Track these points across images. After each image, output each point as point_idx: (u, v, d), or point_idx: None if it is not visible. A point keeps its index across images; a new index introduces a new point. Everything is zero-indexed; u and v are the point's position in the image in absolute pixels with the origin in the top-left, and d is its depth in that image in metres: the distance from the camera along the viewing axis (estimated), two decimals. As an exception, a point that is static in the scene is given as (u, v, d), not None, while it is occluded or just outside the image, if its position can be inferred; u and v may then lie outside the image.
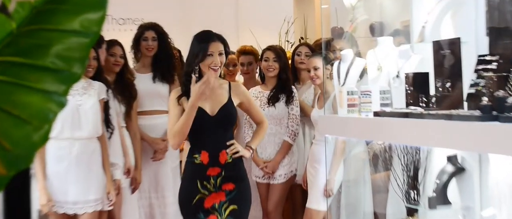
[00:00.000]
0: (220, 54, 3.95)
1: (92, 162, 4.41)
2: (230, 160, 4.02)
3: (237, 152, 4.03)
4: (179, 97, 3.99)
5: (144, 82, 5.20)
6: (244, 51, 5.73)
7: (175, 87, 5.26)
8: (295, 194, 5.45)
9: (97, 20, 1.17)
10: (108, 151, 4.50)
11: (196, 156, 3.99)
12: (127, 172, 4.84)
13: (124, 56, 5.03)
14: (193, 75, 3.88)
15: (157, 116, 5.28)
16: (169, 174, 5.27)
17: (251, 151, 4.16)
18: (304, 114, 5.33)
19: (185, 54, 5.85)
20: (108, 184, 4.44)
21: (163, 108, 5.25)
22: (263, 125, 4.31)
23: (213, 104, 4.01)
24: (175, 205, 5.23)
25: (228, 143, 4.02)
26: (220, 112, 4.00)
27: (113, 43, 5.00)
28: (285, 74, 5.22)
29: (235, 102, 4.10)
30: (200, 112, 3.90)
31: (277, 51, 5.31)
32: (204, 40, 3.95)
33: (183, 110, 3.92)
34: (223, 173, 4.00)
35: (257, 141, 4.31)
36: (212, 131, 3.98)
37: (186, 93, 3.96)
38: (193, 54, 3.96)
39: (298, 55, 5.46)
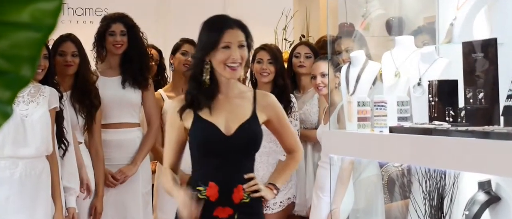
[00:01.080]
0: (241, 46, 3.45)
1: (39, 187, 4.30)
2: (247, 200, 3.48)
3: (257, 191, 3.50)
4: (182, 110, 3.50)
5: (110, 87, 5.13)
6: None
7: (150, 94, 5.24)
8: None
9: (52, 11, 1.14)
10: (59, 173, 4.43)
11: (201, 188, 3.48)
12: (86, 191, 4.75)
13: (79, 54, 4.93)
14: (205, 78, 3.45)
15: (126, 130, 5.20)
16: (139, 200, 5.22)
17: (276, 191, 3.62)
18: (305, 133, 5.33)
19: (165, 53, 5.91)
20: (57, 214, 4.38)
21: (135, 121, 5.22)
22: (295, 156, 3.78)
23: (230, 120, 3.51)
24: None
25: (246, 176, 3.49)
26: (239, 131, 3.49)
27: (63, 38, 4.90)
28: (282, 80, 5.21)
29: (261, 118, 3.59)
30: (211, 129, 3.47)
31: (273, 52, 5.31)
32: (217, 27, 3.47)
33: (185, 131, 3.53)
34: (236, 217, 3.50)
35: (285, 178, 3.82)
36: (226, 157, 3.49)
37: (192, 104, 3.49)
38: (202, 47, 3.50)
39: (297, 57, 5.46)
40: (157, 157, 5.43)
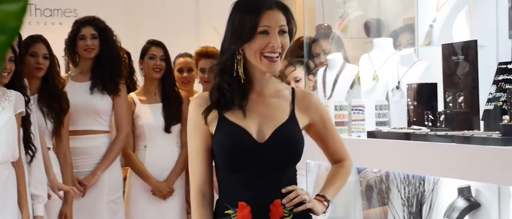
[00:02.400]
0: (282, 32, 2.81)
1: (5, 194, 4.20)
2: (290, 216, 2.81)
3: (301, 203, 2.82)
4: (207, 111, 2.85)
5: (78, 93, 5.06)
6: (206, 54, 5.70)
7: (121, 100, 5.20)
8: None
9: (17, 13, 1.14)
10: (26, 179, 4.37)
11: (230, 212, 2.84)
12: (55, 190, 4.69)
13: (49, 57, 4.89)
14: (238, 71, 2.82)
15: (92, 137, 5.15)
16: (104, 209, 5.16)
17: (326, 203, 2.95)
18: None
19: (134, 57, 5.88)
20: (23, 219, 4.32)
21: (102, 128, 5.17)
22: (345, 164, 3.10)
23: (263, 124, 2.87)
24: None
25: (284, 190, 2.81)
26: (274, 138, 2.84)
27: (35, 39, 4.86)
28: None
29: (302, 122, 2.94)
30: (240, 135, 2.84)
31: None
32: (253, 7, 2.82)
33: (210, 137, 2.88)
34: None
35: (336, 190, 3.08)
36: (258, 170, 2.84)
37: (218, 104, 2.85)
38: (233, 33, 2.83)
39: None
40: (128, 162, 5.42)
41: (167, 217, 5.42)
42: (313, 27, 5.71)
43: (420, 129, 3.81)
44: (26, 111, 4.35)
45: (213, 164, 2.92)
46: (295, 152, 2.88)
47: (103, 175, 5.15)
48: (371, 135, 4.12)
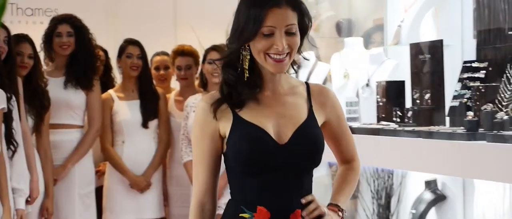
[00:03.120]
0: (288, 33, 2.41)
1: None
2: None
3: (321, 216, 2.50)
4: (216, 105, 2.46)
5: (53, 88, 4.96)
6: (182, 52, 5.69)
7: (94, 95, 5.19)
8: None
9: None
10: (6, 174, 4.34)
11: (246, 216, 2.52)
12: (31, 200, 4.68)
13: (34, 56, 4.87)
14: (243, 66, 2.46)
15: (65, 131, 5.12)
16: (76, 202, 5.14)
17: (341, 213, 2.62)
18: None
19: (113, 55, 5.88)
20: (4, 215, 4.29)
21: (75, 123, 5.14)
22: (354, 165, 2.76)
23: (282, 124, 2.51)
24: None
25: (303, 201, 2.49)
26: (296, 138, 2.49)
27: (21, 39, 4.84)
28: (233, 81, 5.22)
29: (320, 119, 2.59)
30: (259, 135, 2.47)
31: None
32: (259, 3, 2.44)
33: (220, 139, 2.50)
34: None
35: (347, 195, 2.72)
36: (279, 173, 2.49)
37: (229, 99, 2.47)
38: (236, 29, 2.47)
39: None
40: (107, 157, 5.43)
41: (145, 210, 5.41)
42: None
43: (389, 125, 3.85)
44: (8, 107, 4.32)
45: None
46: (317, 153, 2.51)
47: (74, 169, 5.13)
48: (342, 130, 4.15)
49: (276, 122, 2.48)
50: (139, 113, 5.37)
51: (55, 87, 5.02)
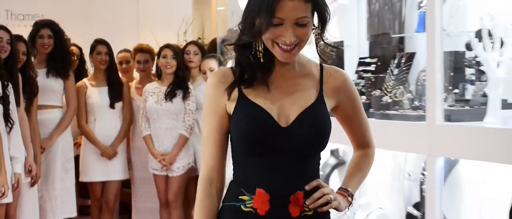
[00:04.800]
0: (300, 24, 1.86)
1: None
2: (310, 212, 1.96)
3: (327, 203, 1.95)
4: (230, 88, 1.95)
5: (38, 77, 5.02)
6: (141, 49, 5.67)
7: (70, 83, 5.15)
8: (191, 186, 5.40)
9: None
10: (2, 145, 4.24)
11: (245, 198, 1.96)
12: (29, 171, 4.60)
13: (27, 53, 4.80)
14: (257, 49, 1.91)
15: (49, 111, 5.06)
16: (58, 166, 5.11)
17: (350, 198, 2.07)
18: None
19: (86, 51, 5.78)
20: (1, 177, 4.19)
21: (56, 103, 5.10)
22: (368, 151, 2.18)
23: (287, 105, 1.96)
24: (63, 198, 5.11)
25: (307, 187, 1.95)
26: (299, 121, 1.94)
27: (17, 39, 4.73)
28: (182, 72, 5.17)
29: (330, 103, 2.03)
30: (261, 115, 1.93)
31: (175, 50, 5.26)
32: None
33: (226, 117, 1.97)
34: None
35: (358, 181, 2.15)
36: (280, 156, 1.94)
37: (240, 79, 1.95)
38: (248, 18, 1.91)
39: (187, 54, 5.38)
40: (82, 132, 5.41)
41: (112, 173, 5.38)
42: (225, 31, 5.69)
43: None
44: (6, 92, 4.22)
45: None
46: (322, 138, 1.94)
47: (57, 141, 5.09)
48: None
49: (281, 104, 1.93)
50: (107, 97, 5.33)
51: (40, 76, 4.97)
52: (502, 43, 2.82)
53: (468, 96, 3.24)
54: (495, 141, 2.66)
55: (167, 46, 5.26)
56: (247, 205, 1.94)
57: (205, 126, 2.02)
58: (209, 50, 5.73)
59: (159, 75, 5.28)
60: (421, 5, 3.64)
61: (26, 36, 5.03)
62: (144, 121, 5.20)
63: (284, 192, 1.92)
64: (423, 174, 3.50)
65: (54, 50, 5.09)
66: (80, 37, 6.23)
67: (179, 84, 5.12)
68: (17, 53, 4.60)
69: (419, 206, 3.61)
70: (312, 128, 1.91)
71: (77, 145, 5.60)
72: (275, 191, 1.92)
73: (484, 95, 3.03)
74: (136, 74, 5.94)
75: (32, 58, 4.96)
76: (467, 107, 3.11)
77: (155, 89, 5.17)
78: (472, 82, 3.28)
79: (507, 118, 2.87)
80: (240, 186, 1.96)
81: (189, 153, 5.22)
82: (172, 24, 7.25)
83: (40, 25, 5.13)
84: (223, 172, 2.03)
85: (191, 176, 5.31)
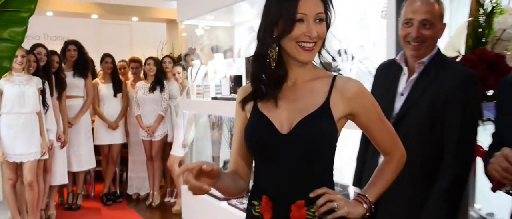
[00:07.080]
0: (319, 20, 1.30)
1: (33, 127, 4.01)
2: None
3: (331, 211, 1.32)
4: (244, 101, 1.43)
5: (67, 78, 4.88)
6: (134, 60, 5.68)
7: (88, 81, 5.02)
8: (166, 147, 5.35)
9: (21, 32, 1.09)
10: (43, 121, 4.13)
11: (255, 203, 1.40)
12: (58, 138, 4.46)
13: (59, 62, 4.67)
14: (271, 59, 1.34)
15: (74, 100, 4.95)
16: (82, 135, 5.00)
17: (366, 205, 1.38)
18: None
19: (96, 61, 5.61)
20: (43, 142, 4.08)
21: (79, 94, 4.96)
22: (394, 159, 1.44)
23: (292, 113, 1.35)
24: (86, 155, 4.98)
25: (311, 195, 1.31)
26: (298, 128, 1.32)
27: (52, 53, 4.64)
28: (160, 74, 5.15)
29: (340, 112, 1.35)
30: (263, 124, 1.37)
31: (156, 60, 5.24)
32: None
33: (245, 119, 1.44)
34: None
35: (380, 189, 1.42)
36: (282, 162, 1.33)
37: (255, 94, 1.40)
38: (269, 23, 1.31)
39: (164, 63, 5.35)
40: (96, 112, 5.25)
41: (115, 138, 5.28)
42: (187, 48, 5.64)
43: (235, 96, 3.85)
44: (44, 87, 4.14)
45: None
46: (321, 144, 1.32)
47: (81, 119, 4.97)
48: (213, 98, 4.16)
49: (286, 112, 1.35)
50: (112, 90, 5.26)
51: (68, 77, 4.83)
52: (352, 57, 2.89)
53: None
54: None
55: (151, 58, 5.23)
56: (256, 210, 1.38)
57: (235, 130, 1.49)
58: (177, 60, 5.68)
59: (145, 76, 5.23)
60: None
61: (59, 51, 4.88)
62: (135, 105, 5.14)
63: (285, 200, 1.33)
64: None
65: (78, 59, 4.98)
66: (93, 51, 6.05)
67: (158, 82, 5.10)
68: (52, 62, 4.50)
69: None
70: (310, 134, 1.31)
71: (92, 121, 5.44)
72: (277, 199, 1.34)
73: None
74: (130, 76, 5.82)
75: (63, 65, 4.84)
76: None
77: (143, 85, 5.12)
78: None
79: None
80: (253, 190, 1.42)
81: (165, 126, 5.21)
82: (154, 44, 7.17)
83: (68, 43, 5.03)
84: (245, 176, 1.48)
85: (166, 141, 5.26)
